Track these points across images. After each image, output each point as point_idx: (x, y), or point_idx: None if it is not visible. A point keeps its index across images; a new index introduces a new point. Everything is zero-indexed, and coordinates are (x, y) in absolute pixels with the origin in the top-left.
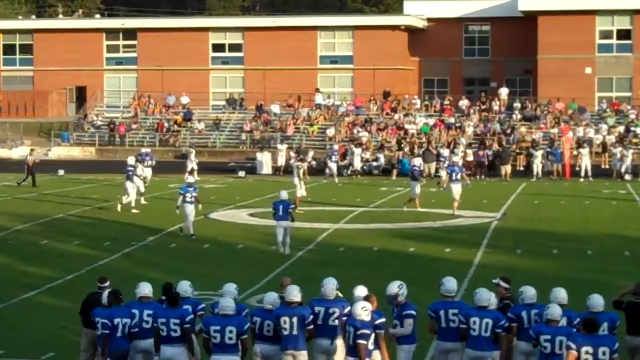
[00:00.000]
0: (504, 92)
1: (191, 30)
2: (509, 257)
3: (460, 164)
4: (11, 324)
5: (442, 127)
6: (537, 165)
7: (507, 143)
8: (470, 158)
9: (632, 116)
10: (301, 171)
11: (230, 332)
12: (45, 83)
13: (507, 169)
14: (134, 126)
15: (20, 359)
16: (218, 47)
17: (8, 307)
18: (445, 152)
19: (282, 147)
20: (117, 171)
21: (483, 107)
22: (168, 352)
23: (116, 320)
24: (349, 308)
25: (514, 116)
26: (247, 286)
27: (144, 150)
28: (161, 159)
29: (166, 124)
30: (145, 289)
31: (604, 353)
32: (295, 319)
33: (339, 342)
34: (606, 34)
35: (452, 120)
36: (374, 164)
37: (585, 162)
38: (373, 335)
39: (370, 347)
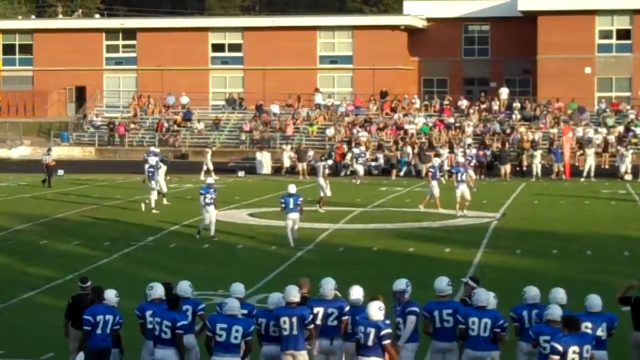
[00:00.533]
0: (504, 92)
1: (191, 30)
2: (508, 257)
3: (469, 164)
4: (11, 324)
5: (442, 127)
6: (537, 166)
7: (507, 143)
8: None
9: (632, 116)
10: (326, 171)
11: (237, 331)
12: (44, 83)
13: (506, 169)
14: (133, 126)
15: (20, 359)
16: (218, 47)
17: (8, 307)
18: (444, 151)
19: (287, 148)
20: (117, 171)
21: (483, 107)
22: (158, 354)
23: (98, 317)
24: (347, 308)
25: (514, 116)
26: (247, 286)
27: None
28: None
29: (166, 124)
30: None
31: (587, 351)
32: (295, 319)
33: (338, 343)
34: (606, 34)
35: (452, 120)
36: (373, 164)
37: (590, 162)
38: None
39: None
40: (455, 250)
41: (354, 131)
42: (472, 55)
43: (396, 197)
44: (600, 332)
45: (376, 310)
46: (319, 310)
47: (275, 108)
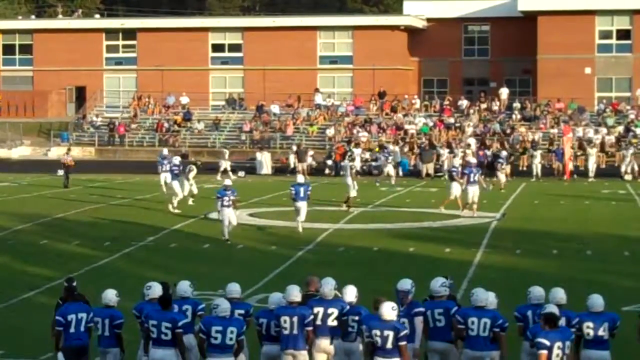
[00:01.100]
0: (504, 92)
1: (191, 30)
2: (508, 257)
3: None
4: (11, 324)
5: (442, 127)
6: (537, 166)
7: (507, 143)
8: (469, 158)
9: (632, 116)
10: (354, 171)
11: (232, 332)
12: (44, 83)
13: (507, 169)
14: (133, 126)
15: (20, 359)
16: (218, 47)
17: (8, 307)
18: (444, 152)
19: (294, 149)
20: (117, 171)
21: (483, 107)
22: (158, 355)
23: (70, 317)
24: (347, 308)
25: (514, 116)
26: (247, 286)
27: (165, 151)
28: None
29: (166, 124)
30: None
31: (568, 347)
32: (295, 319)
33: (337, 343)
34: (606, 34)
35: (452, 120)
36: (374, 164)
37: (592, 162)
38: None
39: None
40: (455, 250)
41: (354, 131)
42: (472, 56)
43: (396, 197)
44: (602, 332)
45: (390, 311)
46: (319, 310)
47: (275, 108)
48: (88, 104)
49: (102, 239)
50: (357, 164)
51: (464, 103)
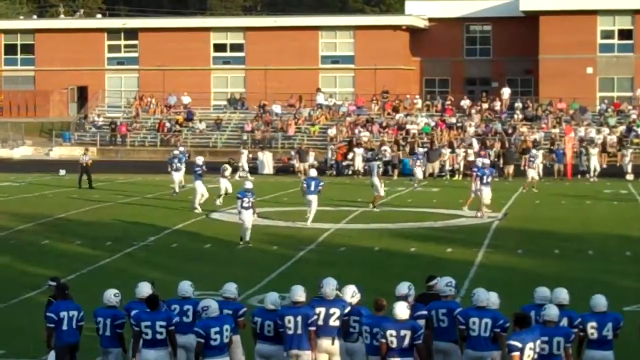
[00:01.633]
0: (506, 92)
1: (192, 30)
2: (510, 257)
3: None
4: (12, 324)
5: (444, 127)
6: (538, 166)
7: (509, 143)
8: (471, 158)
9: (634, 116)
10: (381, 170)
11: (227, 330)
12: (46, 83)
13: (509, 169)
14: (135, 126)
15: (20, 359)
16: (219, 47)
17: (8, 307)
18: (446, 151)
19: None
20: (118, 171)
21: (485, 107)
22: (151, 356)
23: (62, 314)
24: (349, 308)
25: (516, 116)
26: (248, 286)
27: (180, 149)
28: (162, 159)
29: (167, 124)
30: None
31: (538, 346)
32: (299, 318)
33: (338, 343)
34: (607, 34)
35: (454, 120)
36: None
37: (594, 162)
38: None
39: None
40: (457, 250)
41: (356, 131)
42: (474, 55)
43: (398, 197)
44: (606, 332)
45: (405, 310)
46: (321, 310)
47: (277, 108)
48: (90, 104)
49: (103, 239)
50: (359, 164)
51: (466, 103)
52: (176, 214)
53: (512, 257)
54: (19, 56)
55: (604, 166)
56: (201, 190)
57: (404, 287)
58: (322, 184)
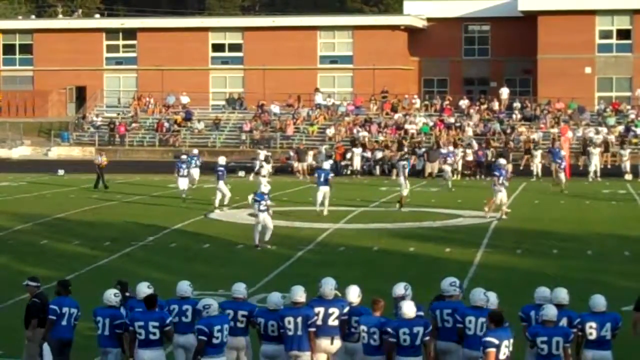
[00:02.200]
0: (505, 92)
1: (191, 30)
2: (509, 257)
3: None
4: (11, 324)
5: (442, 127)
6: (537, 166)
7: (509, 143)
8: (470, 158)
9: (632, 116)
10: (407, 170)
11: (226, 329)
12: (45, 83)
13: (507, 168)
14: (133, 126)
15: (20, 359)
16: (218, 47)
17: (8, 307)
18: (446, 150)
19: (322, 148)
20: (117, 171)
21: (483, 107)
22: (146, 356)
23: (64, 309)
24: (347, 308)
25: (514, 116)
26: (247, 286)
27: (195, 151)
28: (161, 159)
29: (166, 124)
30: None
31: (511, 344)
32: (299, 319)
33: (338, 342)
34: (606, 34)
35: (452, 120)
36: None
37: (595, 162)
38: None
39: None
40: (455, 250)
41: (354, 131)
42: (473, 55)
43: (397, 196)
44: (605, 332)
45: (413, 308)
46: (320, 310)
47: (275, 108)
48: (88, 104)
49: (102, 239)
50: (357, 164)
51: (464, 103)
52: (175, 214)
53: (511, 257)
54: (17, 56)
55: (609, 166)
56: (224, 190)
57: (399, 288)
58: (331, 175)
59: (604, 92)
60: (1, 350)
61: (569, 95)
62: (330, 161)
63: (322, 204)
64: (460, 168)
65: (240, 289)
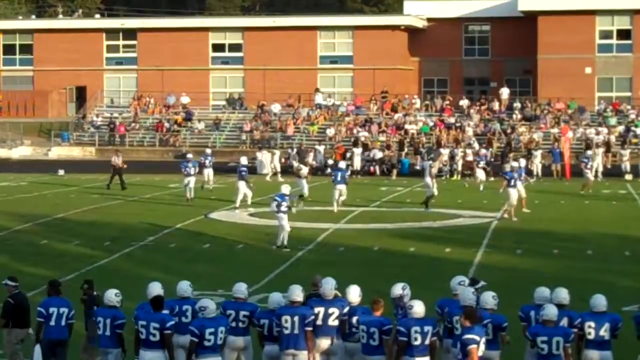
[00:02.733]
0: (505, 92)
1: (191, 30)
2: (509, 257)
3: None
4: None
5: (442, 127)
6: (537, 166)
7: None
8: (470, 158)
9: (632, 116)
10: (434, 171)
11: (222, 332)
12: (45, 83)
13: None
14: (133, 126)
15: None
16: (218, 47)
17: None
18: (445, 151)
19: (321, 148)
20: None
21: (484, 107)
22: (147, 356)
23: (51, 309)
24: (348, 308)
25: (514, 116)
26: (248, 286)
27: (208, 150)
28: (161, 159)
29: (166, 124)
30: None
31: (483, 342)
32: (296, 318)
33: (338, 343)
34: (606, 34)
35: (452, 120)
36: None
37: (597, 162)
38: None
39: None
40: (455, 250)
41: (354, 131)
42: (473, 55)
43: (397, 196)
44: (603, 333)
45: (423, 308)
46: (320, 310)
47: (276, 108)
48: (88, 104)
49: (102, 239)
50: (357, 164)
51: (465, 103)
52: (175, 213)
53: (511, 257)
54: (17, 56)
55: (608, 166)
56: (244, 190)
57: (397, 289)
58: (348, 173)
59: (604, 92)
60: (1, 350)
61: (569, 95)
62: (344, 163)
63: (338, 201)
64: (460, 168)
65: (241, 289)
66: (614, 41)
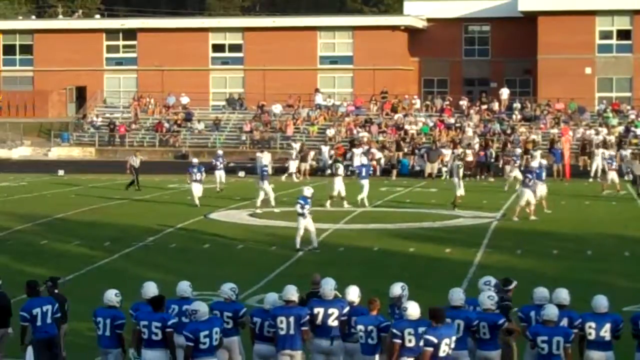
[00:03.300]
0: (505, 92)
1: (191, 30)
2: (509, 257)
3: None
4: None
5: (442, 128)
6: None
7: (511, 143)
8: (470, 158)
9: (632, 116)
10: (461, 171)
11: (216, 333)
12: (45, 83)
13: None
14: (133, 126)
15: (20, 359)
16: (218, 48)
17: None
18: (447, 152)
19: (326, 149)
20: (117, 171)
21: (484, 107)
22: (148, 356)
23: (35, 311)
24: (347, 308)
25: (514, 116)
26: (246, 286)
27: (220, 152)
28: (161, 159)
29: (166, 125)
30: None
31: (453, 342)
32: (292, 319)
33: (338, 343)
34: (606, 34)
35: (452, 120)
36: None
37: (597, 162)
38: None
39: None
40: (455, 251)
41: (354, 131)
42: (473, 56)
43: (397, 197)
44: (604, 333)
45: (418, 309)
46: (320, 311)
47: (277, 108)
48: (88, 104)
49: (102, 239)
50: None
51: (464, 103)
52: (175, 214)
53: (511, 257)
54: (17, 56)
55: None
56: (267, 189)
57: (396, 289)
58: (371, 170)
59: (604, 92)
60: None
61: (569, 95)
62: (365, 158)
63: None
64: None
65: (225, 290)
66: (614, 41)
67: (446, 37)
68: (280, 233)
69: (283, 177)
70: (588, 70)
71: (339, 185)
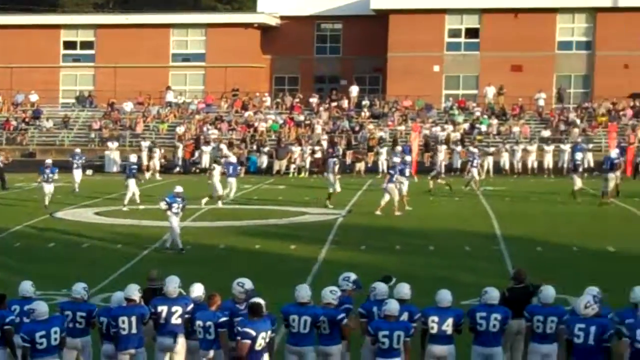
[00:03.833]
0: (354, 90)
1: (42, 27)
2: (353, 253)
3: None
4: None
5: (292, 125)
6: (383, 162)
7: (356, 140)
8: (318, 155)
9: (477, 113)
10: (337, 167)
11: (55, 332)
12: None
13: (361, 166)
14: None
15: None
16: (69, 45)
17: None
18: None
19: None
20: None
21: (333, 105)
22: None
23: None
24: (192, 306)
25: (363, 114)
26: (91, 285)
27: (77, 150)
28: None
29: (14, 123)
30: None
31: (269, 336)
32: (134, 318)
33: (182, 341)
34: (455, 33)
35: (302, 117)
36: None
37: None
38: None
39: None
40: (300, 247)
41: (204, 129)
42: (324, 53)
43: (244, 194)
44: (446, 327)
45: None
46: (163, 309)
47: (128, 106)
48: None
49: None
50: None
51: (314, 100)
52: (21, 213)
53: (355, 253)
54: None
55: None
56: (133, 188)
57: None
58: (238, 167)
59: (451, 90)
60: None
61: (417, 93)
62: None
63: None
64: (308, 166)
65: (78, 289)
66: (462, 40)
67: (299, 35)
68: (126, 232)
69: (147, 175)
70: (436, 68)
71: (218, 185)
